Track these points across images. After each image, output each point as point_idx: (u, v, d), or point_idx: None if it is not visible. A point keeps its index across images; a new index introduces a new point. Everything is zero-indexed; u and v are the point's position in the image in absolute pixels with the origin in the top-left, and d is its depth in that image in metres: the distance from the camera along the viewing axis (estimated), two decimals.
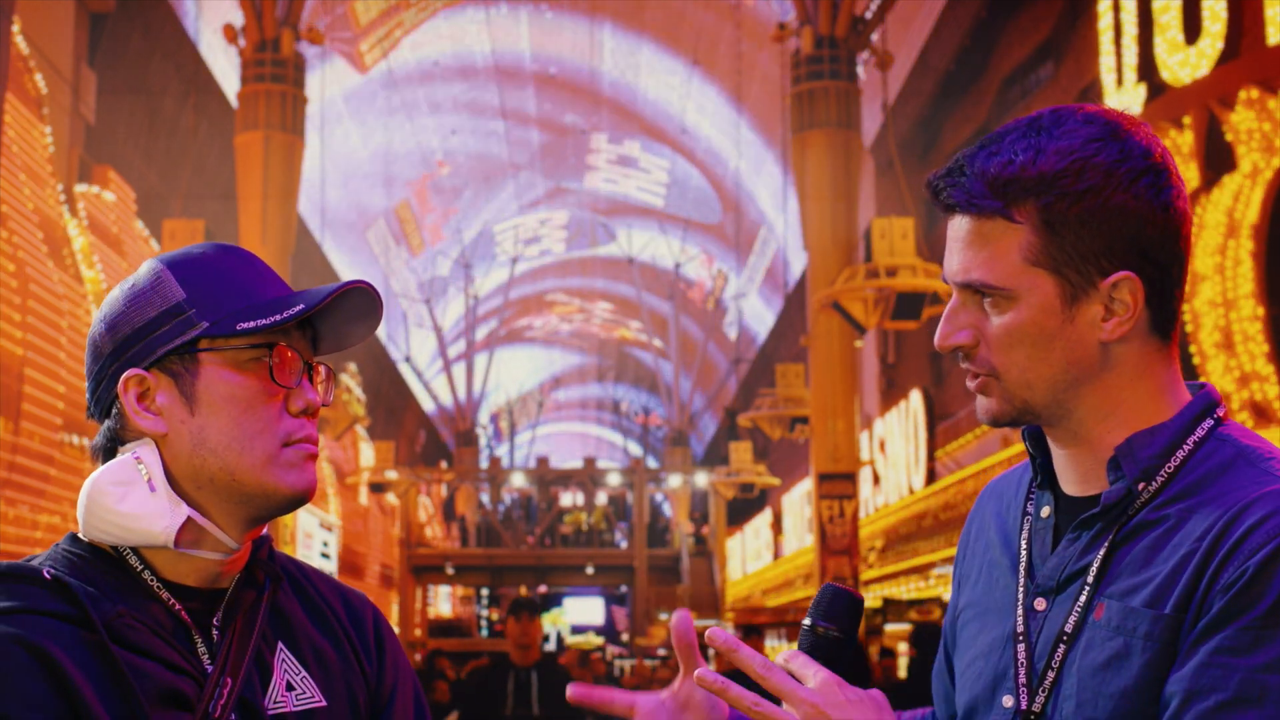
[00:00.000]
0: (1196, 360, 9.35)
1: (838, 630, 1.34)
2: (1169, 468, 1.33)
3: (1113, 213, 1.30)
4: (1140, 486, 1.32)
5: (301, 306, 1.36)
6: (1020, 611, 1.38)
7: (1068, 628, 1.33)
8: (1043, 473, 1.43)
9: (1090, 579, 1.33)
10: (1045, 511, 1.41)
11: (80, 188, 14.46)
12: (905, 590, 17.68)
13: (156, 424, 1.38)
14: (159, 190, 18.60)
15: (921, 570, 16.75)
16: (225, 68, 20.64)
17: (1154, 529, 1.31)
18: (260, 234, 15.91)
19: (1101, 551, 1.33)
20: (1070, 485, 1.40)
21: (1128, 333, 1.33)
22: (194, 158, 19.72)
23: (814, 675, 1.29)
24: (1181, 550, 1.28)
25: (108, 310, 1.41)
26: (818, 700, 1.28)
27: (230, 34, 16.77)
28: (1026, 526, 1.43)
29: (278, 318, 1.36)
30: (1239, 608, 1.22)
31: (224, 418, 1.37)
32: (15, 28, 12.22)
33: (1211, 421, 1.35)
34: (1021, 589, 1.39)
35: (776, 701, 1.30)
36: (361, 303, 1.42)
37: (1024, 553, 1.41)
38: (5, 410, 11.22)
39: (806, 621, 1.35)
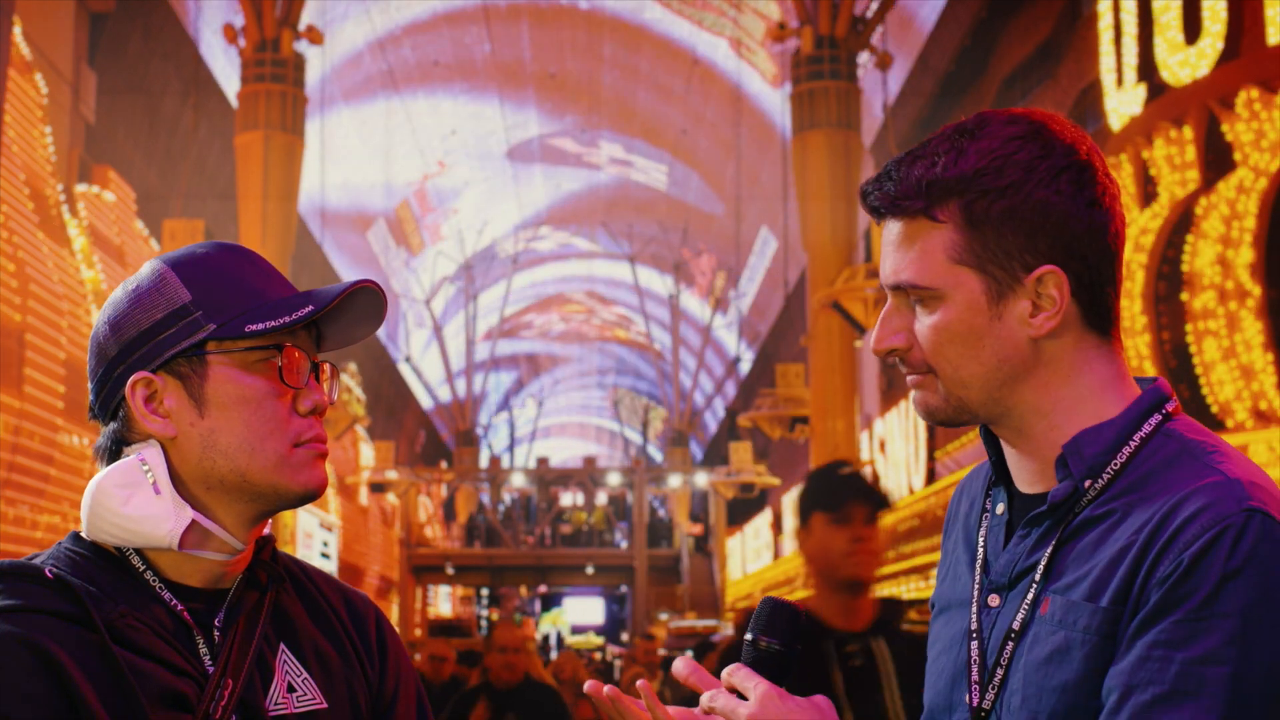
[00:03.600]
0: (1196, 360, 9.34)
1: (780, 644, 1.35)
2: (1115, 465, 1.33)
3: (1034, 209, 1.32)
4: (1086, 484, 1.33)
5: (311, 308, 1.36)
6: (975, 608, 1.40)
7: (1015, 624, 1.34)
8: (997, 469, 1.44)
9: (1038, 576, 1.34)
10: (1000, 508, 1.43)
11: (80, 188, 14.45)
12: (905, 590, 17.67)
13: (165, 427, 1.37)
14: (159, 190, 18.59)
15: (922, 570, 16.74)
16: (225, 68, 20.64)
17: (1099, 525, 1.32)
18: (260, 234, 15.92)
19: (1049, 549, 1.34)
20: (1022, 483, 1.41)
21: (1057, 328, 1.34)
22: (194, 158, 19.72)
23: (754, 689, 1.31)
24: (1119, 543, 1.29)
25: (111, 312, 1.40)
26: (756, 712, 1.29)
27: (230, 34, 16.78)
28: (985, 523, 1.44)
29: (287, 319, 1.35)
30: (1175, 600, 1.23)
31: (234, 419, 1.36)
32: (16, 28, 12.22)
33: (1159, 417, 1.35)
34: (977, 585, 1.41)
35: None
36: (366, 302, 1.42)
37: (981, 549, 1.43)
38: (5, 410, 11.21)
39: (748, 636, 1.36)
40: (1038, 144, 1.33)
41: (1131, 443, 1.34)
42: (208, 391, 1.37)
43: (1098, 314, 1.36)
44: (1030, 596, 1.34)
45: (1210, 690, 1.20)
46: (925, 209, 1.34)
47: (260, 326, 1.35)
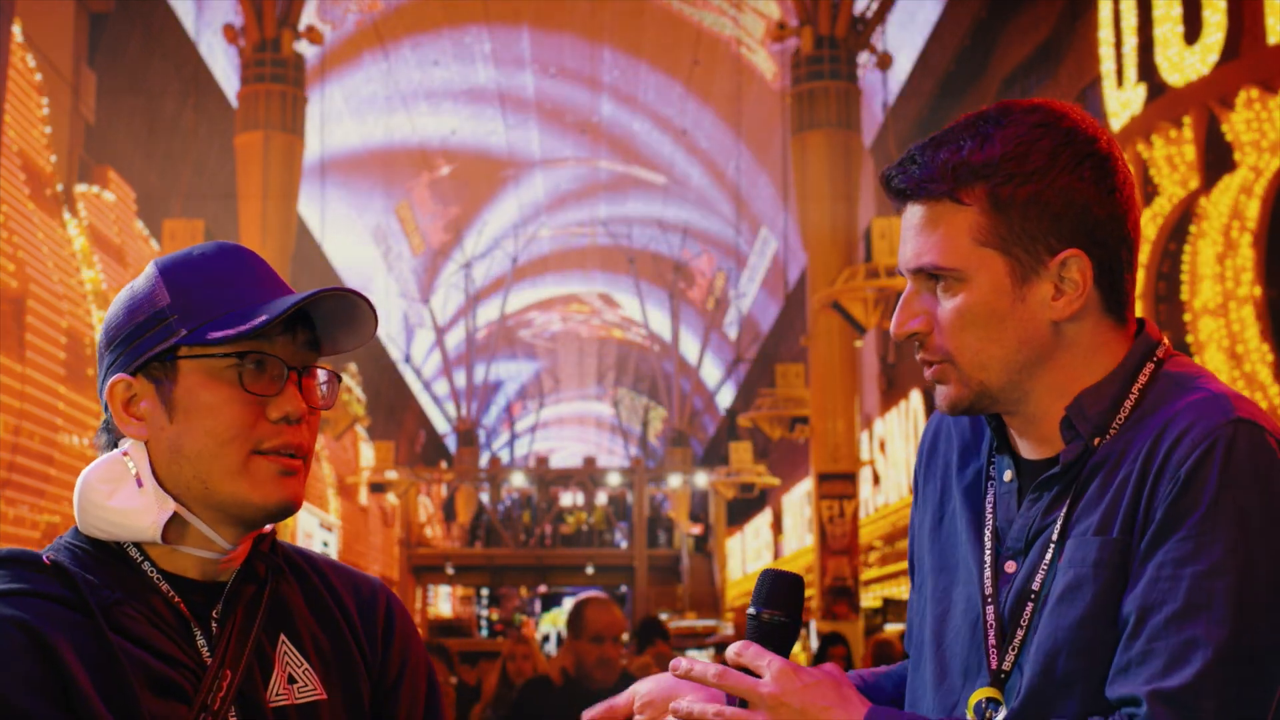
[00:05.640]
0: (1196, 360, 9.34)
1: (784, 615, 1.36)
2: (1120, 419, 1.35)
3: (1058, 194, 1.34)
4: (1096, 442, 1.35)
5: (264, 317, 1.35)
6: (989, 575, 1.40)
7: (1034, 586, 1.35)
8: (999, 436, 1.45)
9: (1054, 536, 1.35)
10: (1008, 475, 1.43)
11: (80, 188, 14.45)
12: (905, 590, 17.65)
13: (140, 429, 1.39)
14: (159, 190, 18.58)
15: None
16: (225, 68, 20.63)
17: (1102, 469, 1.34)
18: (260, 234, 15.90)
19: (1064, 510, 1.35)
20: (1028, 450, 1.42)
21: (1078, 311, 1.36)
22: (194, 158, 19.72)
23: (768, 665, 1.31)
24: (1119, 476, 1.31)
25: (108, 314, 1.43)
26: (775, 690, 1.29)
27: (230, 34, 16.77)
28: (991, 490, 1.44)
29: (243, 327, 1.35)
30: (1177, 517, 1.25)
31: (196, 426, 1.37)
32: (16, 28, 12.22)
33: (1153, 365, 1.38)
34: (989, 553, 1.41)
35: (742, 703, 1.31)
36: (351, 306, 1.40)
37: (990, 516, 1.43)
38: (5, 410, 11.22)
39: (751, 610, 1.37)
40: (1060, 132, 1.36)
41: (1131, 395, 1.36)
42: (176, 396, 1.37)
43: (1117, 300, 1.38)
44: (1048, 557, 1.35)
45: (1219, 600, 1.22)
46: (951, 192, 1.36)
47: (220, 335, 1.35)
